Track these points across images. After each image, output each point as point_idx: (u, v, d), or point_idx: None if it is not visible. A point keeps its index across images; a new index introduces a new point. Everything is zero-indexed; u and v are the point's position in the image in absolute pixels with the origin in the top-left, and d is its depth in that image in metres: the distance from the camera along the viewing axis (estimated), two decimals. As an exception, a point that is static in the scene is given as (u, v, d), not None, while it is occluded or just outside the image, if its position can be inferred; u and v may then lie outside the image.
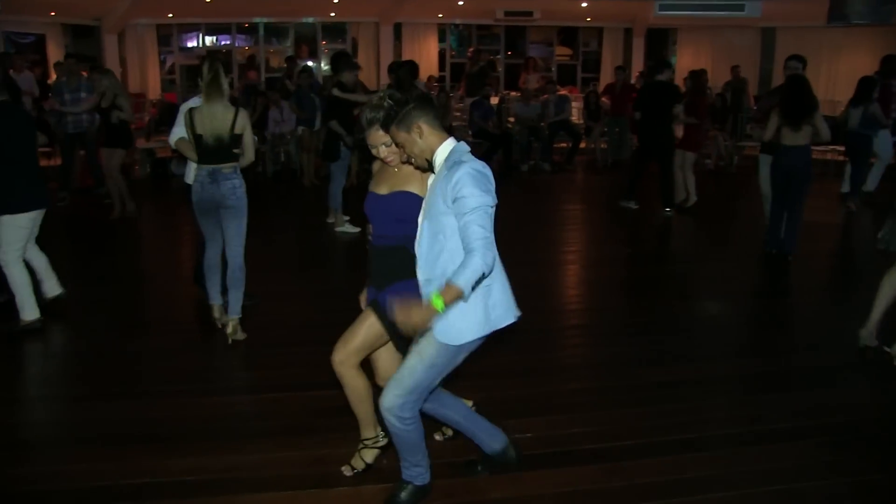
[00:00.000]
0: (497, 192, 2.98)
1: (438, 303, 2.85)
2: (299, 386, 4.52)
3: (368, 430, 3.59)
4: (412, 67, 9.63)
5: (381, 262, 3.35)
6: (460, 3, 16.73)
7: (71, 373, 5.03)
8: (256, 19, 18.37)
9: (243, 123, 5.10)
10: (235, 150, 5.11)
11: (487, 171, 3.00)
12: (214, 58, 5.22)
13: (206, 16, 17.90)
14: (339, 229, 8.57)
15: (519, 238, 8.29)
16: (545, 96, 14.28)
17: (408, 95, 3.15)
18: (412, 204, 3.25)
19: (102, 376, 4.82)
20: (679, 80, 12.04)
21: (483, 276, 2.90)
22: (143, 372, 4.89)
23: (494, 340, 3.19)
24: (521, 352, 5.04)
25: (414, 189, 3.30)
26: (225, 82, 5.03)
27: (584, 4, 17.07)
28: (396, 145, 3.15)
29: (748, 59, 17.82)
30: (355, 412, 3.52)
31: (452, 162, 2.98)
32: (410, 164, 3.18)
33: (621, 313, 6.19)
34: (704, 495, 3.45)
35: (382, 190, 3.38)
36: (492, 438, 3.51)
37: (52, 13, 16.80)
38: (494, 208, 3.00)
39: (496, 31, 19.47)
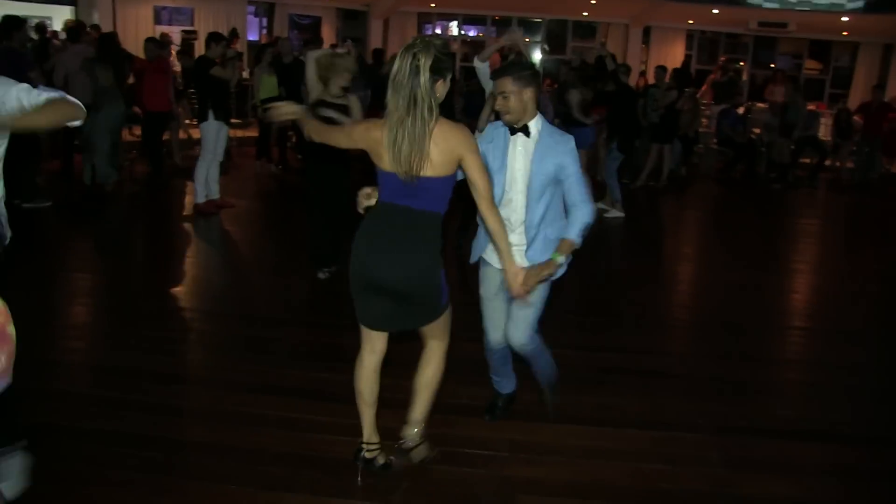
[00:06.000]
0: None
1: (559, 258, 3.38)
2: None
3: None
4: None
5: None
6: (715, 11, 16.85)
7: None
8: (510, 14, 19.38)
9: None
10: None
11: None
12: None
13: (465, 7, 19.12)
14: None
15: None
16: (794, 110, 14.15)
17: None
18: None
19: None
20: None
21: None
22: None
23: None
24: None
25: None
26: None
27: (845, 18, 16.66)
28: (502, 95, 3.38)
29: None
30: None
31: (558, 134, 3.44)
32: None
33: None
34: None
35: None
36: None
37: (331, -2, 18.64)
38: None
39: (745, 41, 19.35)
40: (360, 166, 4.36)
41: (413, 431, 3.53)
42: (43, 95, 2.93)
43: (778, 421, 4.35)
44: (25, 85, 2.95)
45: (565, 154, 3.36)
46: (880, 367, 5.37)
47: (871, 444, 4.13)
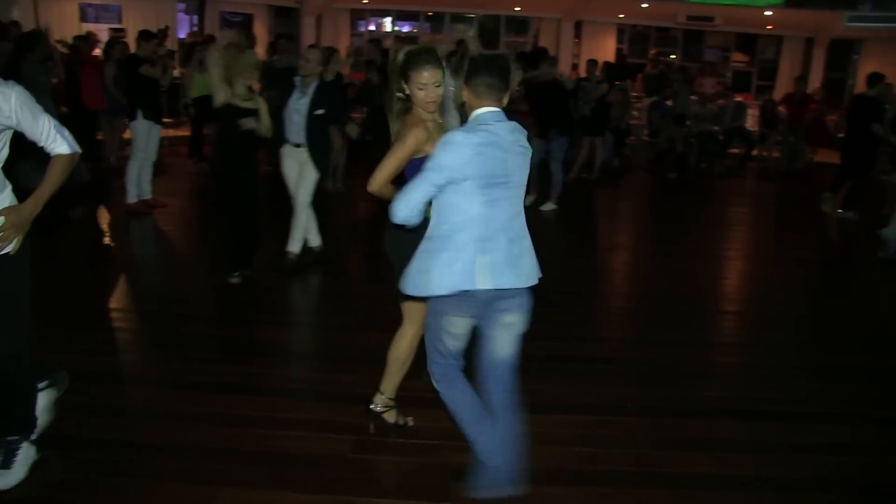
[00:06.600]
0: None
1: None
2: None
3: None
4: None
5: None
6: (644, 5, 17.18)
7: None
8: (444, 9, 19.44)
9: None
10: None
11: (466, 141, 2.93)
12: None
13: (397, 3, 19.13)
14: None
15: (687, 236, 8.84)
16: (722, 101, 14.54)
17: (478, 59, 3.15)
18: None
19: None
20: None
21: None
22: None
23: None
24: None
25: None
26: None
27: (768, 13, 17.14)
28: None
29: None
30: None
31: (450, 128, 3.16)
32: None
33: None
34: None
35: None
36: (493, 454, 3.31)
37: (262, -5, 18.46)
38: (453, 179, 2.97)
39: (674, 34, 19.76)
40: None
41: (381, 397, 3.86)
42: (56, 150, 3.07)
43: (704, 401, 4.51)
44: (55, 123, 3.05)
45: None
46: (800, 347, 5.60)
47: (790, 420, 4.31)
